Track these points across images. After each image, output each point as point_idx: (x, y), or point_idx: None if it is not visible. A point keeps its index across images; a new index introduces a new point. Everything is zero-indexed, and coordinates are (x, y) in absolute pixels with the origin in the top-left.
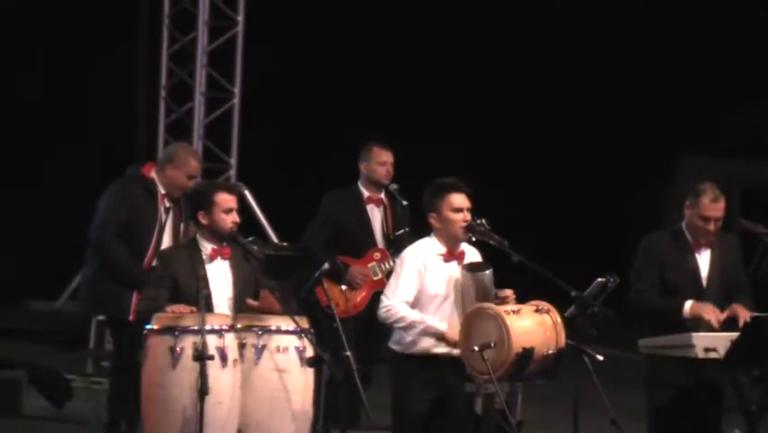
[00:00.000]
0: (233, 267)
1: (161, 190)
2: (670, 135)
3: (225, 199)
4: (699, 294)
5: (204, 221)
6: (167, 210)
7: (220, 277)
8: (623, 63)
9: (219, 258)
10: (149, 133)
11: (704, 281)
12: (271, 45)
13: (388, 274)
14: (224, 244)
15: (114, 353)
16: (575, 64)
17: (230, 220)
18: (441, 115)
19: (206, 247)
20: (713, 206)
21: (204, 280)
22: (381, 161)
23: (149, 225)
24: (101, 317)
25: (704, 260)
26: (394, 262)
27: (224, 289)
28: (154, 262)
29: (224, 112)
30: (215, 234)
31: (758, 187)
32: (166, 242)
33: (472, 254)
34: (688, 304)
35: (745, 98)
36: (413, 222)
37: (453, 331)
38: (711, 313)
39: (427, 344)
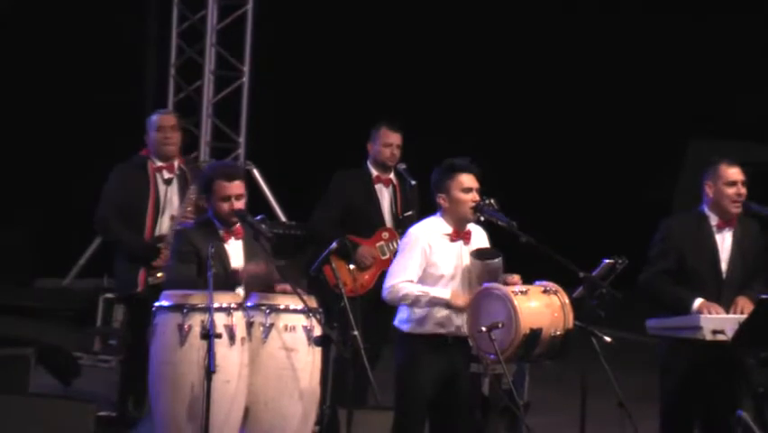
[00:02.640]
0: (246, 246)
1: (156, 163)
2: (680, 119)
3: (223, 186)
4: (719, 283)
5: (206, 204)
6: (167, 181)
7: (234, 256)
8: (632, 45)
9: (232, 238)
10: None
11: (724, 269)
12: (281, 23)
13: (396, 254)
14: (231, 227)
15: (125, 331)
16: (586, 48)
17: (226, 207)
18: (454, 97)
19: (219, 227)
20: (734, 169)
21: (217, 258)
22: (387, 142)
23: (141, 200)
24: (109, 295)
25: (725, 243)
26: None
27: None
28: (158, 232)
29: (234, 90)
30: (219, 218)
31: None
32: (171, 210)
33: (479, 234)
34: (697, 301)
35: (755, 80)
36: (421, 202)
37: (457, 296)
38: (719, 313)
39: (434, 324)
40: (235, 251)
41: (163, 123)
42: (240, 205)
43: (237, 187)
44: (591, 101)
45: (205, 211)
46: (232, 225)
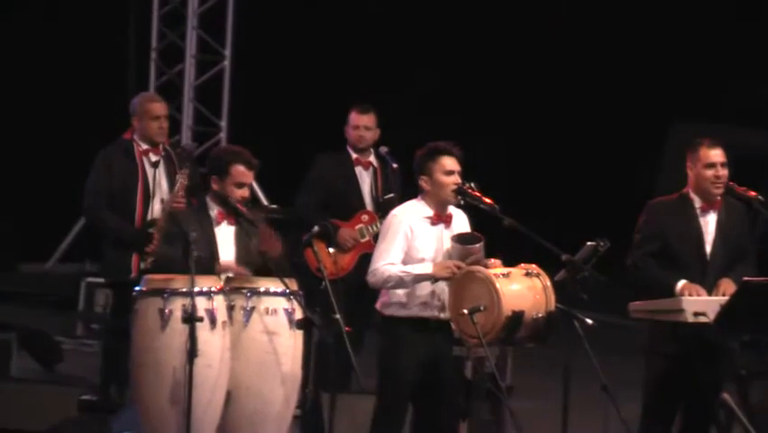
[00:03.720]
0: (238, 232)
1: (142, 147)
2: (662, 101)
3: (240, 173)
4: (703, 266)
5: (214, 186)
6: (155, 164)
7: (225, 240)
8: (614, 27)
9: (225, 222)
10: None
11: (708, 252)
12: (262, 6)
13: (376, 237)
14: (234, 212)
15: (111, 315)
16: (567, 31)
17: (239, 194)
18: (438, 81)
19: (214, 210)
20: (714, 151)
21: (202, 241)
22: (355, 124)
23: (130, 184)
24: (92, 279)
25: (709, 225)
26: (381, 224)
27: (228, 252)
28: (149, 216)
29: (215, 74)
30: (222, 202)
31: (752, 154)
32: (161, 194)
33: (460, 218)
34: (680, 283)
35: (737, 66)
36: (404, 185)
37: (440, 267)
38: (702, 296)
39: (416, 307)
40: (226, 235)
41: (158, 111)
42: (247, 194)
43: (251, 176)
44: (573, 83)
45: (196, 193)
46: (234, 211)
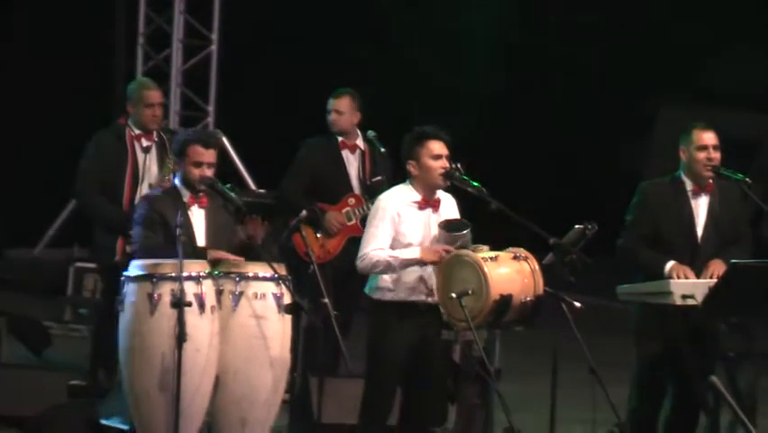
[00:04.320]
0: (208, 216)
1: (134, 132)
2: (650, 85)
3: (196, 152)
4: (694, 249)
5: (176, 168)
6: (146, 149)
7: (197, 224)
8: (602, 9)
9: (196, 206)
10: (127, 80)
11: (699, 235)
12: None
13: (363, 220)
14: (199, 193)
15: (101, 301)
16: (558, 11)
17: (197, 173)
18: (424, 65)
19: (185, 194)
20: (706, 133)
21: (183, 226)
22: (328, 109)
23: (120, 168)
24: (80, 264)
25: (701, 208)
26: (369, 207)
27: (199, 237)
28: (137, 201)
29: (202, 59)
30: (186, 184)
31: (740, 138)
32: (150, 179)
33: (448, 202)
34: (669, 264)
35: (727, 47)
36: (393, 169)
37: (428, 251)
38: (690, 277)
39: (404, 291)
40: (198, 219)
41: (153, 99)
42: (209, 173)
43: (211, 155)
44: (561, 66)
45: None
46: (198, 192)
